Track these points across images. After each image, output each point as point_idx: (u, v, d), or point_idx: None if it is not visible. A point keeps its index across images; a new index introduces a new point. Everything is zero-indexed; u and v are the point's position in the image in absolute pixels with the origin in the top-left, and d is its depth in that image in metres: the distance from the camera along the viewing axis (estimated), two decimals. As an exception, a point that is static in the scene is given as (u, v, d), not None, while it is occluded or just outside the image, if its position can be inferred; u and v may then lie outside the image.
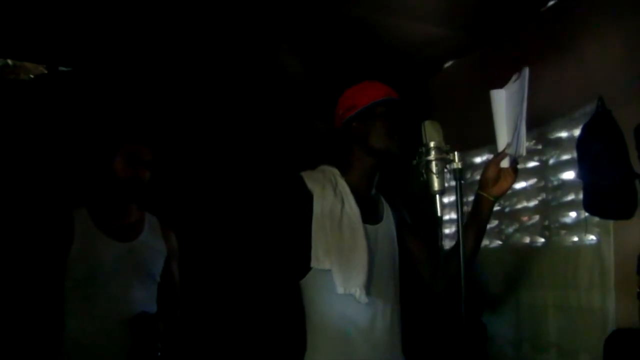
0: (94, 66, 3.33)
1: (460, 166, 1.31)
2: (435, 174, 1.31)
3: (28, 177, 2.92)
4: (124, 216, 2.10)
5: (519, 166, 1.52)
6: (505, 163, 1.47)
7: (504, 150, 1.45)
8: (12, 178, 2.89)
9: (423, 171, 1.34)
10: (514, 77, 1.44)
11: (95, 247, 1.98)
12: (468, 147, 3.22)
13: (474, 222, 1.57)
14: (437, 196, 1.32)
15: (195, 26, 2.89)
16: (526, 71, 1.37)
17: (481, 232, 1.59)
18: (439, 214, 1.32)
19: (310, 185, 1.58)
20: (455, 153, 1.32)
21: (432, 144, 1.33)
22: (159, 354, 1.96)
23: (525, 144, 1.39)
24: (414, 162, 1.36)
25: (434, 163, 1.32)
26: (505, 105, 1.45)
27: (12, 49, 3.26)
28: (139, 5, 2.70)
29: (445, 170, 1.34)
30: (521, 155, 1.41)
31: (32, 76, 3.54)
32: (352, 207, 1.57)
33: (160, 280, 2.16)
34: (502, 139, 1.46)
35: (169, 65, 3.30)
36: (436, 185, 1.32)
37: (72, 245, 1.95)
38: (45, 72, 3.53)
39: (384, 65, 3.10)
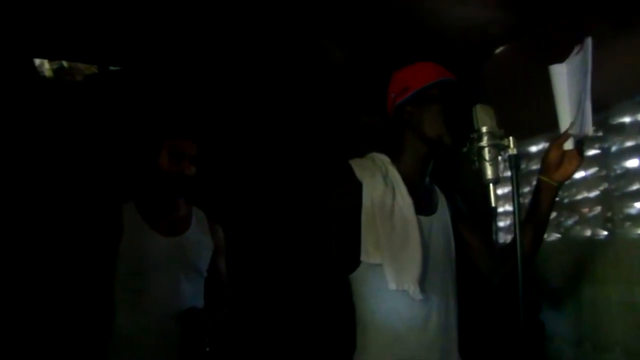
0: (141, 64, 3.36)
1: (515, 152, 1.21)
2: (489, 162, 1.21)
3: (78, 173, 2.99)
4: (172, 211, 2.10)
5: (580, 153, 1.40)
6: (569, 144, 1.36)
7: (567, 130, 1.34)
8: (63, 173, 2.96)
9: (475, 159, 1.24)
10: (575, 50, 1.32)
11: (142, 241, 1.99)
12: (523, 135, 3.09)
13: (535, 212, 1.46)
14: (491, 185, 1.22)
15: (238, 17, 2.87)
16: (589, 42, 1.26)
17: (543, 224, 1.48)
18: (493, 204, 1.22)
19: (359, 173, 1.49)
20: (510, 138, 1.22)
21: (484, 129, 1.23)
22: (207, 349, 1.95)
23: (591, 122, 1.27)
24: (465, 149, 1.27)
25: (486, 149, 1.22)
26: (567, 81, 1.34)
27: (65, 50, 3.33)
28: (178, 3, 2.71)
29: (500, 157, 1.25)
30: (587, 135, 1.30)
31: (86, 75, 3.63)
32: (404, 197, 1.48)
33: (208, 275, 2.16)
34: (565, 118, 1.34)
35: (212, 58, 3.30)
36: (489, 173, 1.22)
37: (121, 240, 1.97)
38: (97, 72, 3.61)
39: (432, 52, 2.99)
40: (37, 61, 3.48)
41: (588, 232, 2.74)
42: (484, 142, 1.22)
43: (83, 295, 1.99)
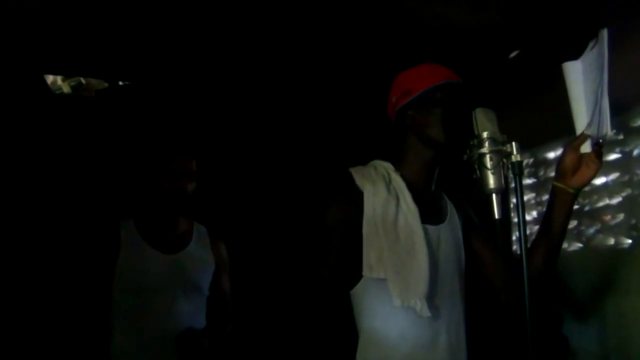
0: (141, 80, 3.35)
1: (519, 159, 1.11)
2: (490, 170, 1.11)
3: (76, 188, 2.98)
4: (171, 227, 2.05)
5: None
6: (586, 147, 1.25)
7: (583, 131, 1.24)
8: (60, 189, 2.95)
9: (476, 167, 1.14)
10: (590, 44, 1.22)
11: (140, 259, 1.94)
12: (540, 141, 2.98)
13: (550, 221, 1.35)
14: (494, 195, 1.12)
15: (238, 32, 2.82)
16: (604, 33, 1.16)
17: (560, 235, 1.37)
18: (496, 216, 1.12)
19: (360, 182, 1.40)
20: (513, 144, 1.12)
21: (485, 135, 1.13)
22: (206, 371, 1.88)
23: (609, 122, 1.17)
24: (465, 156, 1.17)
25: (488, 157, 1.12)
26: (582, 78, 1.23)
27: (78, 66, 3.33)
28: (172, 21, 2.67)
29: (504, 163, 1.14)
30: (605, 136, 1.19)
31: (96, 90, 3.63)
32: (408, 205, 1.38)
33: (210, 294, 2.09)
34: (581, 119, 1.24)
35: (211, 73, 3.26)
36: (492, 182, 1.11)
37: (118, 257, 1.92)
38: (107, 87, 3.60)
39: (441, 56, 2.92)
40: (50, 77, 3.49)
41: (611, 241, 2.62)
42: (485, 148, 1.12)
43: (78, 316, 1.93)
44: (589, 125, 1.22)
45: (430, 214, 1.43)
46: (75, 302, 1.98)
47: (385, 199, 1.37)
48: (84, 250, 2.00)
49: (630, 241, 2.50)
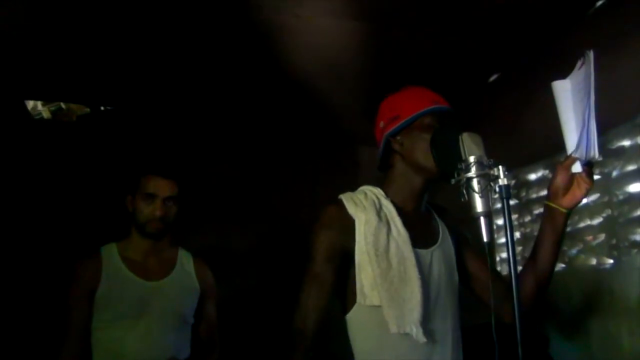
0: (126, 105, 3.34)
1: (506, 182, 1.12)
2: (478, 193, 1.13)
3: (57, 215, 2.93)
4: (154, 253, 2.02)
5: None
6: (577, 167, 1.27)
7: (572, 152, 1.26)
8: (39, 215, 2.90)
9: (464, 190, 1.15)
10: (578, 64, 1.24)
11: (121, 286, 1.91)
12: (521, 163, 3.02)
13: (544, 241, 1.37)
14: (482, 219, 1.13)
15: (218, 60, 2.84)
16: (591, 55, 1.18)
17: (553, 254, 1.38)
18: (485, 239, 1.13)
19: (351, 209, 1.40)
20: (500, 167, 1.13)
21: (472, 159, 1.14)
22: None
23: (597, 145, 1.19)
24: (453, 180, 1.18)
25: (475, 180, 1.13)
26: (571, 97, 1.25)
27: (60, 92, 3.30)
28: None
29: (492, 187, 1.15)
30: (593, 158, 1.21)
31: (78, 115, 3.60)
32: (399, 231, 1.38)
33: (195, 322, 2.05)
34: (572, 138, 1.26)
35: (191, 96, 3.26)
36: (479, 206, 1.12)
37: (99, 284, 1.88)
38: (89, 112, 3.57)
39: (425, 79, 2.96)
40: (30, 103, 3.45)
41: (593, 261, 2.64)
42: (472, 172, 1.14)
43: (58, 343, 1.86)
44: (577, 148, 1.24)
45: (421, 238, 1.43)
46: (53, 331, 1.91)
47: (377, 227, 1.37)
48: (64, 280, 1.94)
49: (611, 261, 2.53)
